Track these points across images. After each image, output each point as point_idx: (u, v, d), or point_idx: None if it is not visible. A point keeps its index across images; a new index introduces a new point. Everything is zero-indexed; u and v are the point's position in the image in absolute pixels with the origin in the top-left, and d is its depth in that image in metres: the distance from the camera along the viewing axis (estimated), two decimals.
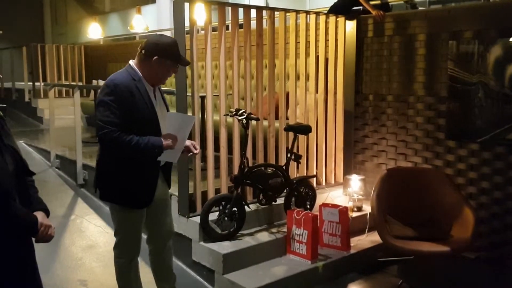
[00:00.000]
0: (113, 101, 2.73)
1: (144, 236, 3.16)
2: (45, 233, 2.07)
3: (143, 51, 2.83)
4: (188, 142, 3.01)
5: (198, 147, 3.13)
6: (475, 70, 4.09)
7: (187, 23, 3.79)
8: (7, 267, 1.99)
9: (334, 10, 5.03)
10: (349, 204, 4.44)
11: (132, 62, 2.88)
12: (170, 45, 2.84)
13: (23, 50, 10.48)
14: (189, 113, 3.96)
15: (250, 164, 4.05)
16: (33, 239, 2.10)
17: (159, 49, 2.80)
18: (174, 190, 3.86)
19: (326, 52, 4.82)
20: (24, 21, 16.68)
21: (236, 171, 4.00)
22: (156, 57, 2.79)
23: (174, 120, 2.85)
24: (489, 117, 4.04)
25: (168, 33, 9.77)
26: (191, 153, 3.07)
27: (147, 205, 2.94)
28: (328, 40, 4.82)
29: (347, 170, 5.02)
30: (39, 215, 2.08)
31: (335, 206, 4.08)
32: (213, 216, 3.79)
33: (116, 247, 3.04)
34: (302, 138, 4.57)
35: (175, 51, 2.85)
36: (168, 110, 3.03)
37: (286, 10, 4.43)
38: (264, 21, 4.72)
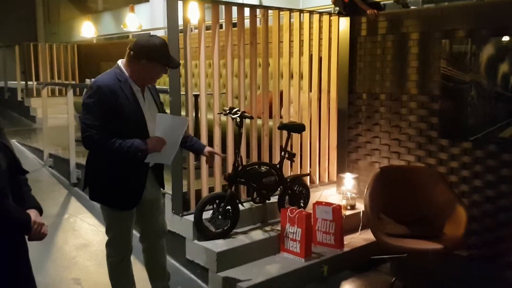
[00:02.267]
0: (95, 103, 2.70)
1: (137, 235, 3.16)
2: (38, 231, 2.07)
3: (131, 52, 2.76)
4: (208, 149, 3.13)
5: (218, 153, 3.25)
6: (467, 68, 4.11)
7: (180, 22, 3.79)
8: (1, 265, 1.99)
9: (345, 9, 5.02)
10: (343, 203, 4.46)
11: (120, 62, 2.84)
12: (160, 47, 2.75)
13: (15, 49, 10.43)
14: (183, 112, 3.95)
15: (244, 163, 4.06)
16: (26, 237, 2.10)
17: (148, 51, 2.73)
18: (168, 188, 3.86)
19: (319, 51, 4.83)
20: (16, 20, 16.59)
21: (230, 169, 4.00)
22: (144, 60, 2.73)
23: (164, 122, 2.79)
24: (481, 115, 4.06)
25: (162, 32, 9.76)
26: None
27: (133, 206, 2.91)
28: (321, 39, 4.83)
29: (341, 169, 5.04)
30: (32, 213, 2.08)
31: (328, 204, 4.09)
32: (207, 214, 3.79)
33: (108, 245, 3.05)
34: (296, 136, 4.58)
35: (164, 54, 2.78)
36: (161, 111, 2.98)
37: (280, 9, 4.44)
38: (258, 19, 4.72)
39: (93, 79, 2.94)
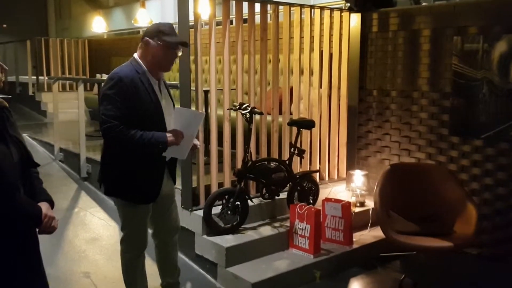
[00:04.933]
0: (116, 94, 2.69)
1: (149, 231, 3.16)
2: (49, 225, 2.08)
3: (144, 38, 2.82)
4: (195, 141, 3.00)
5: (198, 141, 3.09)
6: (479, 66, 4.08)
7: (191, 18, 3.79)
8: (13, 257, 2.00)
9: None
10: (352, 199, 4.45)
11: (136, 55, 2.84)
12: (168, 29, 2.79)
13: (27, 44, 10.50)
14: (193, 107, 3.96)
15: (254, 159, 4.06)
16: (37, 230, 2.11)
17: (157, 31, 2.78)
18: (177, 183, 3.86)
19: (330, 47, 4.81)
20: (28, 15, 16.67)
21: (239, 165, 4.00)
22: (146, 38, 2.78)
23: (182, 116, 2.80)
24: (493, 113, 4.02)
25: None
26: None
27: (152, 200, 2.91)
28: (332, 35, 4.82)
29: (350, 166, 5.02)
30: (44, 206, 2.09)
31: (338, 201, 4.08)
32: (216, 209, 3.80)
33: (123, 242, 3.03)
34: (305, 133, 4.58)
35: (166, 32, 2.77)
36: (173, 104, 3.00)
37: (291, 5, 4.42)
38: (269, 15, 4.70)
39: (104, 74, 2.96)
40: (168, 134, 2.75)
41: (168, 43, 2.77)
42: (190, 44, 3.78)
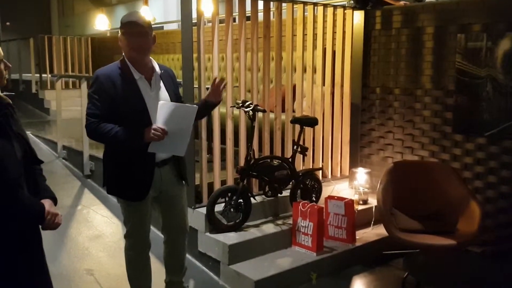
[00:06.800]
0: (94, 92, 2.74)
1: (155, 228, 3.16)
2: (52, 221, 2.09)
3: None
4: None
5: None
6: (483, 63, 4.06)
7: (194, 15, 3.79)
8: (15, 255, 2.01)
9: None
10: (355, 197, 4.44)
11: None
12: (121, 19, 2.77)
13: (30, 42, 10.51)
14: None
15: (256, 156, 4.06)
16: (40, 226, 2.12)
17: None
18: None
19: (333, 44, 4.80)
20: (31, 13, 16.72)
21: (242, 163, 4.01)
22: (119, 35, 2.79)
23: (167, 111, 2.70)
24: (497, 111, 4.01)
25: (175, 25, 9.78)
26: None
27: (140, 198, 2.86)
28: (335, 32, 4.80)
29: (353, 163, 5.01)
30: (46, 203, 2.10)
31: (341, 198, 4.08)
32: (219, 207, 3.81)
33: (125, 238, 3.05)
34: (308, 130, 4.57)
35: (122, 21, 2.75)
36: (179, 101, 2.96)
37: (294, 2, 4.41)
38: (272, 13, 4.69)
39: None
40: (146, 131, 2.67)
41: (121, 29, 2.75)
42: (193, 42, 3.79)
